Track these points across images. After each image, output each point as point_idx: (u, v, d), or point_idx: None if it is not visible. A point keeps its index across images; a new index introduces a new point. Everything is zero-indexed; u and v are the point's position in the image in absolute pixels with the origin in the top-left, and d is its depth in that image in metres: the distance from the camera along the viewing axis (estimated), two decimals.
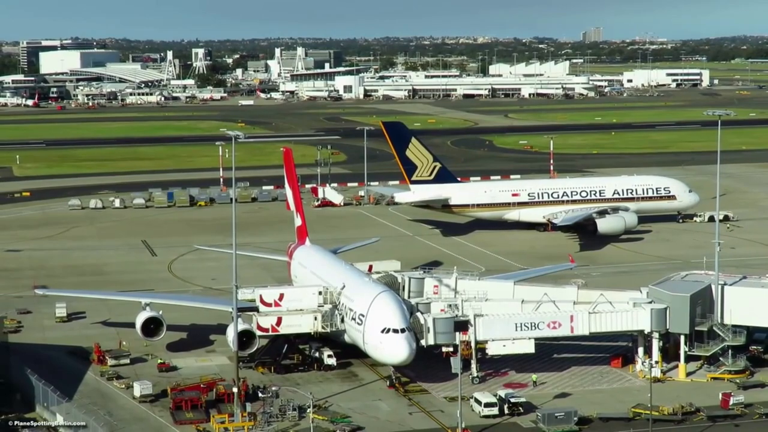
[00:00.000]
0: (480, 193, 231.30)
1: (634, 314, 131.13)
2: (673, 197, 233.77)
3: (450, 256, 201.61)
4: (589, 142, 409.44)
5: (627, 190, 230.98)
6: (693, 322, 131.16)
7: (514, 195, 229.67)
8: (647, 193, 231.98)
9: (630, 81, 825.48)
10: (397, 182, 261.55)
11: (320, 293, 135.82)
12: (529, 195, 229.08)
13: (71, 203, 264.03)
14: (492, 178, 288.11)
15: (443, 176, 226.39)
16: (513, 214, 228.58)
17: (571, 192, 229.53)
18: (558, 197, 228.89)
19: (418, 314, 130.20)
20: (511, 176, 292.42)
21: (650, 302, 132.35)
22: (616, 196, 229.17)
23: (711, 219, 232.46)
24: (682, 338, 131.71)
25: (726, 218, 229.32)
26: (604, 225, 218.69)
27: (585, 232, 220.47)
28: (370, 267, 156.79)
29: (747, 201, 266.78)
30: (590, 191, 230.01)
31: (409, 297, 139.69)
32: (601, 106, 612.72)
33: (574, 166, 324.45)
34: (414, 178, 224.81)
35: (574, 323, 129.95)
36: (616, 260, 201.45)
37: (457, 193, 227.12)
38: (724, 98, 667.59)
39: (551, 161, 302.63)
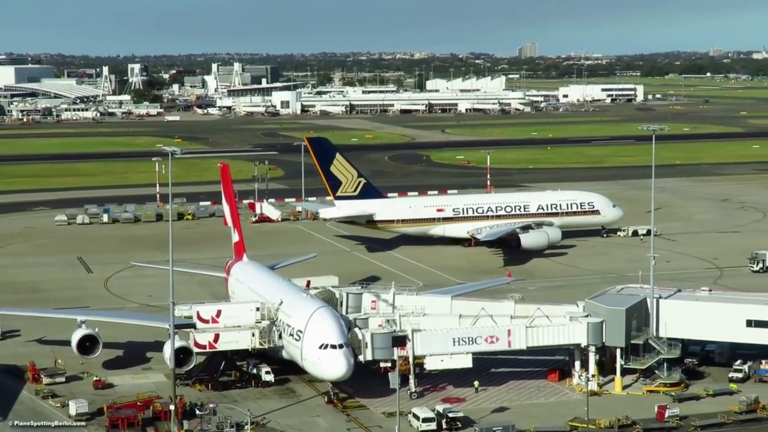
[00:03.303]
0: (405, 209, 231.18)
1: (571, 328, 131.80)
2: (597, 212, 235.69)
3: (388, 271, 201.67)
4: (525, 157, 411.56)
5: (551, 205, 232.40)
6: (629, 335, 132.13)
7: (438, 210, 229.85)
8: (571, 208, 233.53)
9: (565, 96, 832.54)
10: None
11: (258, 309, 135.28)
12: (453, 210, 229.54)
13: (58, 219, 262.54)
14: (429, 192, 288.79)
15: (368, 192, 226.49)
16: (438, 230, 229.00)
17: (496, 207, 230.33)
18: (483, 212, 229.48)
19: (356, 330, 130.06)
20: (449, 191, 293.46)
21: (586, 316, 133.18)
22: (540, 211, 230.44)
23: (635, 233, 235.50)
24: (618, 351, 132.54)
25: (649, 233, 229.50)
26: (527, 240, 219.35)
27: (509, 247, 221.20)
28: (308, 282, 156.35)
29: (681, 215, 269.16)
30: (515, 206, 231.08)
31: (347, 312, 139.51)
32: (537, 121, 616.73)
33: (510, 181, 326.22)
34: (339, 193, 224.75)
35: (511, 337, 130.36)
36: (552, 274, 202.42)
37: (382, 208, 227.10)
38: (658, 113, 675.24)
39: (488, 176, 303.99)
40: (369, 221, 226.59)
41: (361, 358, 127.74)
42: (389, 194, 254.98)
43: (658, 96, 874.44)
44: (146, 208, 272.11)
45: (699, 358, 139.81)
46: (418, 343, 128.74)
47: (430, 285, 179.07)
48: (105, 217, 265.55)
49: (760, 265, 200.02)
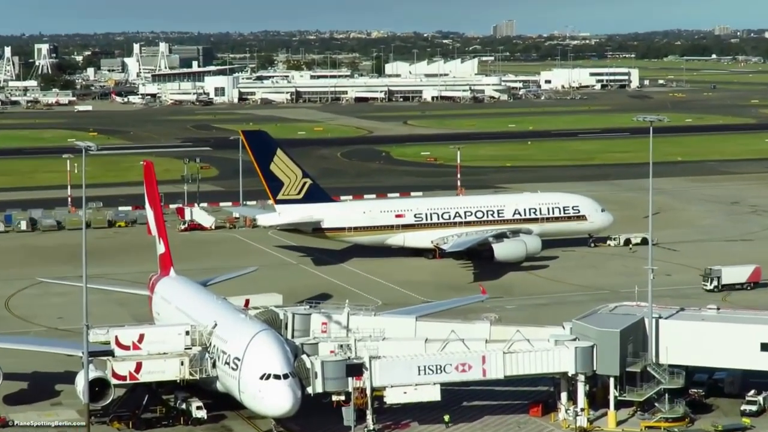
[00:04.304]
0: (358, 214, 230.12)
1: (556, 354, 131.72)
2: (583, 217, 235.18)
3: (340, 287, 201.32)
4: (501, 153, 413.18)
5: (530, 209, 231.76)
6: (624, 361, 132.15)
7: (397, 216, 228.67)
8: (553, 213, 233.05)
9: (548, 82, 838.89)
10: None
11: (187, 333, 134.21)
12: (415, 216, 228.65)
13: None
14: (389, 195, 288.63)
15: (314, 194, 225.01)
16: (397, 239, 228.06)
17: (465, 212, 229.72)
18: (450, 218, 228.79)
19: (304, 357, 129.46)
20: (412, 193, 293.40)
21: (574, 339, 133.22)
22: (517, 216, 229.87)
23: (627, 242, 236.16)
24: (612, 381, 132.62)
25: (643, 242, 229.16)
26: (501, 251, 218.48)
27: (480, 258, 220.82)
28: (247, 302, 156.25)
29: (683, 220, 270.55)
30: (487, 211, 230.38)
31: (293, 336, 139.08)
32: (516, 111, 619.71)
33: (484, 181, 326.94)
34: (280, 197, 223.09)
35: (486, 365, 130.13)
36: (533, 291, 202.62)
37: (331, 214, 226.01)
38: (656, 101, 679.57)
39: (458, 176, 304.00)
40: (316, 229, 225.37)
41: (309, 390, 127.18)
42: (341, 197, 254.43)
43: (660, 82, 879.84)
44: (56, 214, 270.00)
45: (706, 388, 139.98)
46: (377, 372, 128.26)
47: (390, 304, 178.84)
48: (23, 224, 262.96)
49: (714, 282, 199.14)
